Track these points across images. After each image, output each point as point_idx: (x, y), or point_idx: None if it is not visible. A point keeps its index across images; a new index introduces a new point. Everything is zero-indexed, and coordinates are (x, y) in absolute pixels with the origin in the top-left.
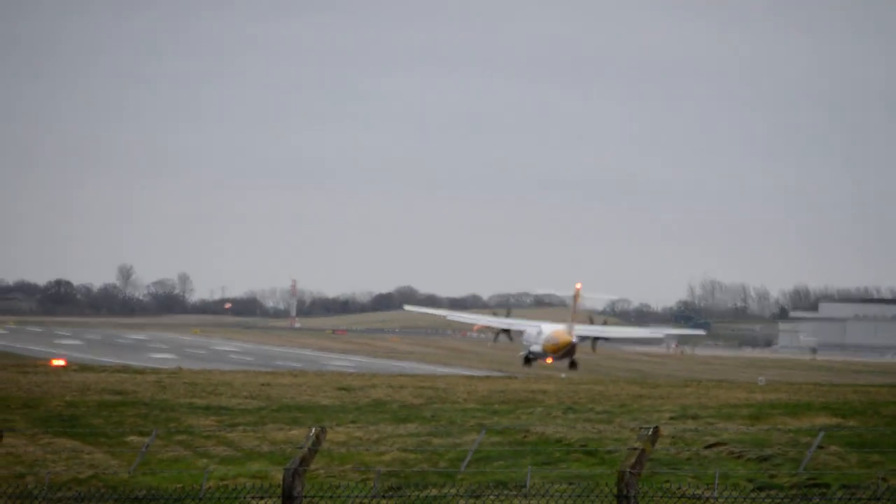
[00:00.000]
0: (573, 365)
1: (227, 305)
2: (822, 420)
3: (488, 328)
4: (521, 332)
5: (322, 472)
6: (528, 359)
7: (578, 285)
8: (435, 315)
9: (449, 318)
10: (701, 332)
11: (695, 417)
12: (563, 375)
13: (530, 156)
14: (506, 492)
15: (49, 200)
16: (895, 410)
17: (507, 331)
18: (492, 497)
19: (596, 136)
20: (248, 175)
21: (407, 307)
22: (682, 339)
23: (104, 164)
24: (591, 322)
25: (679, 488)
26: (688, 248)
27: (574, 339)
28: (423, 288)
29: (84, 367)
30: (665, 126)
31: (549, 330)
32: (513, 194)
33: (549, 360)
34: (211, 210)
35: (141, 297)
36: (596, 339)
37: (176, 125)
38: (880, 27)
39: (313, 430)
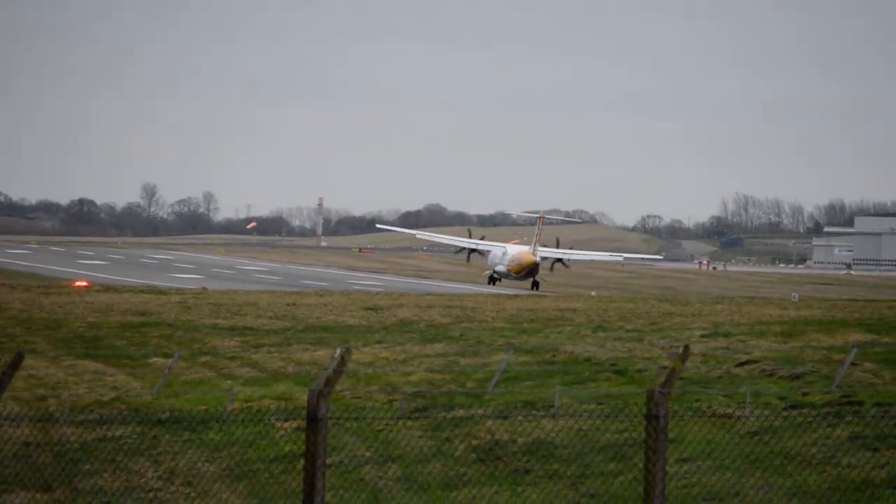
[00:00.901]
0: (535, 285)
1: (251, 224)
2: (857, 337)
3: (460, 248)
4: (487, 252)
5: (348, 393)
6: (493, 278)
7: (542, 213)
8: (405, 234)
9: (419, 236)
10: (658, 257)
11: (726, 335)
12: (593, 293)
13: (559, 72)
14: (534, 412)
15: (71, 118)
16: None
17: (475, 250)
18: (520, 417)
19: (626, 50)
20: (274, 91)
21: (379, 226)
22: (717, 257)
23: (128, 81)
24: (557, 245)
25: (710, 407)
26: (721, 163)
27: (538, 260)
28: (452, 206)
29: (107, 288)
30: (698, 38)
31: (514, 251)
32: (544, 111)
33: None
34: (236, 127)
35: (165, 216)
36: (557, 260)
37: (201, 40)
38: None
39: (338, 351)
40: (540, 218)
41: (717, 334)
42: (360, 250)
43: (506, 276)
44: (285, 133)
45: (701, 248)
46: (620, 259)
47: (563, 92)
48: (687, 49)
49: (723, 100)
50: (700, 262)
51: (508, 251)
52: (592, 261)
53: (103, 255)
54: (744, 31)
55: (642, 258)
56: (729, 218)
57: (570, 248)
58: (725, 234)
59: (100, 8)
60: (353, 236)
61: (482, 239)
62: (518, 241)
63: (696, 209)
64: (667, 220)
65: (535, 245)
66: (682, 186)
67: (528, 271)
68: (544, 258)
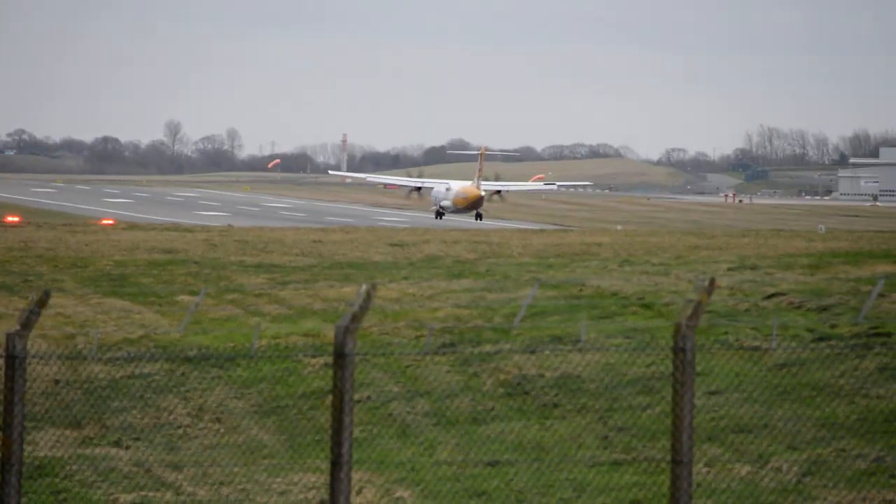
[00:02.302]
0: (479, 217)
1: (273, 163)
2: (884, 268)
3: (403, 187)
4: (430, 190)
5: (375, 329)
6: (440, 213)
7: (483, 148)
8: (356, 177)
9: (368, 179)
10: (588, 183)
11: (753, 268)
12: (619, 227)
13: (583, 3)
14: (561, 346)
15: (95, 56)
16: None
17: (418, 188)
18: (547, 351)
19: None
20: (298, 27)
21: (331, 172)
22: (741, 189)
23: (150, 19)
24: (496, 180)
25: (737, 340)
26: (745, 95)
27: (482, 193)
28: (476, 140)
29: (133, 226)
30: None
31: (458, 186)
32: (566, 44)
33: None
34: (260, 64)
35: (189, 154)
36: (496, 192)
37: None
38: None
39: (365, 287)
40: (481, 154)
41: (743, 267)
42: (385, 186)
43: (452, 210)
44: (310, 69)
45: (726, 180)
46: (555, 188)
47: (585, 23)
48: None
49: (747, 31)
50: (726, 195)
51: (452, 187)
52: (528, 191)
53: (129, 193)
54: None
55: (574, 185)
56: (754, 150)
57: (504, 181)
58: (750, 167)
59: None
60: (377, 173)
61: (419, 177)
62: (543, 176)
63: (720, 142)
64: (691, 153)
65: (478, 179)
66: (706, 119)
67: (473, 204)
68: (486, 191)
